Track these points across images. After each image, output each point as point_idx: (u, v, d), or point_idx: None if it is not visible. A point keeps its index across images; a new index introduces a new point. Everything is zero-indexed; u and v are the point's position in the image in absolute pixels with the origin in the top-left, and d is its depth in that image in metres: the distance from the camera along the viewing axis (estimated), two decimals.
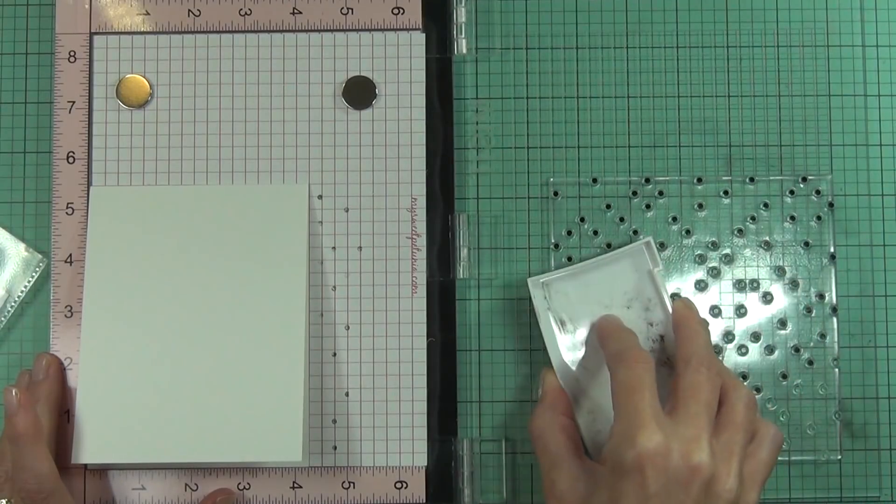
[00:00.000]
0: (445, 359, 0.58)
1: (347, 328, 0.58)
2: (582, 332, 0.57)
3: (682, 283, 0.59)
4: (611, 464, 0.49)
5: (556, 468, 0.52)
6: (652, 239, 0.57)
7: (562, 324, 0.57)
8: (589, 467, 0.52)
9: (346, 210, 0.58)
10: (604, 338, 0.55)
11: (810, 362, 0.58)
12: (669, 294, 0.57)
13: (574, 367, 0.56)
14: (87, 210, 0.58)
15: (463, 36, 0.59)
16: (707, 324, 0.56)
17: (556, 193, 0.59)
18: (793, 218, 0.59)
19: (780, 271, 0.59)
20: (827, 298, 0.59)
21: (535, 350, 0.58)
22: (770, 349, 0.58)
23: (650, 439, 0.48)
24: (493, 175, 0.60)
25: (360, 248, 0.58)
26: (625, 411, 0.50)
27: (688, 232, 0.59)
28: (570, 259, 0.59)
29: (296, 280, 0.57)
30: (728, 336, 0.59)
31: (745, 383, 0.58)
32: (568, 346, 0.56)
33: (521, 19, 0.60)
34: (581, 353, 0.56)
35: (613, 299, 0.57)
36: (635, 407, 0.49)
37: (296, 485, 0.57)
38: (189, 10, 0.59)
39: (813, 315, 0.59)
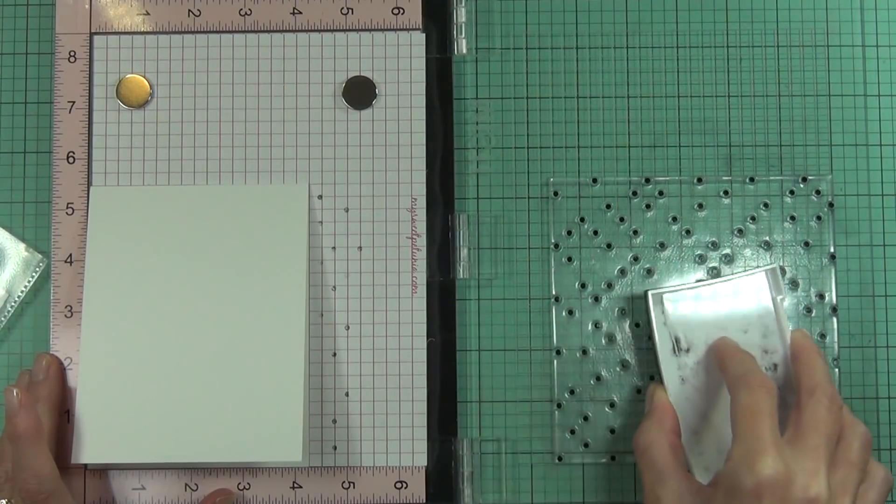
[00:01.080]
0: (445, 359, 0.58)
1: (347, 328, 0.58)
2: (695, 351, 0.55)
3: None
4: (726, 487, 0.48)
5: (662, 484, 0.51)
6: (777, 266, 0.56)
7: (676, 340, 0.56)
8: (696, 487, 0.51)
9: (346, 210, 0.58)
10: (724, 359, 0.53)
11: None
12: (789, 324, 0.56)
13: (684, 386, 0.55)
14: (87, 210, 0.58)
15: (463, 36, 0.59)
16: (825, 357, 0.54)
17: (556, 193, 0.59)
18: (793, 218, 0.59)
19: (780, 271, 0.59)
20: (827, 298, 0.59)
21: (535, 350, 0.59)
22: None
23: (771, 467, 0.47)
24: (493, 175, 0.60)
25: (360, 248, 0.58)
26: (745, 435, 0.49)
27: (688, 232, 0.59)
28: (570, 259, 0.59)
29: (296, 280, 0.57)
30: None
31: None
32: (680, 363, 0.55)
33: (521, 19, 0.60)
34: (692, 371, 0.55)
35: (731, 322, 0.55)
36: (756, 432, 0.48)
37: (296, 485, 0.57)
38: (189, 10, 0.59)
39: (813, 315, 0.59)
